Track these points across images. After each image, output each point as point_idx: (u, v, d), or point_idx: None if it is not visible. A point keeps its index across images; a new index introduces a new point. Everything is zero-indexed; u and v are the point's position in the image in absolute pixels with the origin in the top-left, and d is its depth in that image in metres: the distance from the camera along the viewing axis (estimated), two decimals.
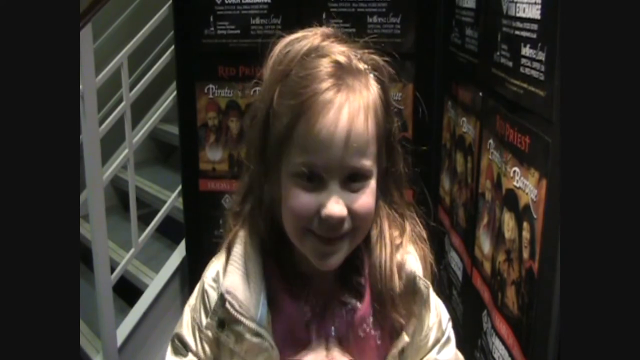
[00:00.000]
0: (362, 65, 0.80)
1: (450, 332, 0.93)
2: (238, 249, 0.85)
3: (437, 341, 0.91)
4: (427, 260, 0.88)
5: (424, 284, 0.85)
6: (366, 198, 0.78)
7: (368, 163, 0.77)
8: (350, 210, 0.77)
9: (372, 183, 0.79)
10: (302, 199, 0.77)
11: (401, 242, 0.87)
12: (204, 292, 0.87)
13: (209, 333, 0.85)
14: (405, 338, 0.86)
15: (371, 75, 0.81)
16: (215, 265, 0.88)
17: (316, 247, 0.79)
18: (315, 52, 0.79)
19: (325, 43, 0.81)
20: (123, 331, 2.35)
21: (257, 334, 0.81)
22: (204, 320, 0.86)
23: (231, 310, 0.81)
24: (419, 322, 0.87)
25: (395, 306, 0.85)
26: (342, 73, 0.77)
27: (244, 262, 0.84)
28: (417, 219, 0.90)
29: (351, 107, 0.76)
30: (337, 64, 0.78)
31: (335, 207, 0.76)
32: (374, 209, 0.82)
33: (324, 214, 0.76)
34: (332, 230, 0.77)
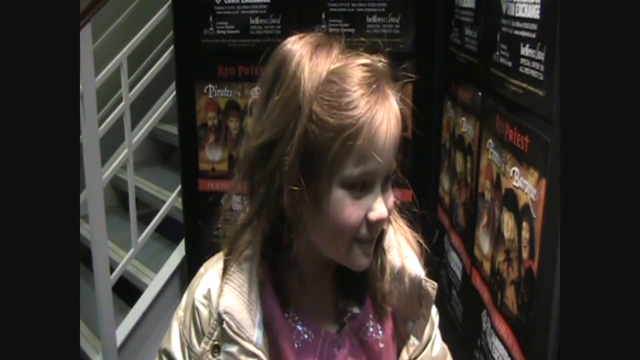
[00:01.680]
0: (380, 72, 0.80)
1: (437, 326, 0.93)
2: (234, 269, 0.83)
3: (429, 338, 0.90)
4: (415, 245, 0.89)
5: (431, 285, 0.86)
6: (391, 196, 0.81)
7: (395, 164, 0.80)
8: None
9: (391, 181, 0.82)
10: (351, 208, 0.77)
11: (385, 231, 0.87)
12: (194, 308, 0.85)
13: (201, 357, 0.83)
14: (415, 341, 0.86)
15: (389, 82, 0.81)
16: (207, 280, 0.86)
17: (363, 250, 0.80)
18: (339, 59, 0.77)
19: (340, 47, 0.79)
20: (122, 331, 2.36)
21: (253, 355, 0.80)
22: (194, 339, 0.84)
23: (228, 330, 0.80)
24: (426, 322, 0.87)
25: (385, 296, 0.85)
26: (377, 80, 0.77)
27: (241, 283, 0.83)
28: (401, 215, 0.91)
29: (394, 116, 0.77)
30: (369, 70, 0.78)
31: (384, 208, 0.78)
32: None
33: (376, 218, 0.77)
34: (377, 231, 0.80)
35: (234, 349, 0.80)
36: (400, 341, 0.89)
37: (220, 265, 0.86)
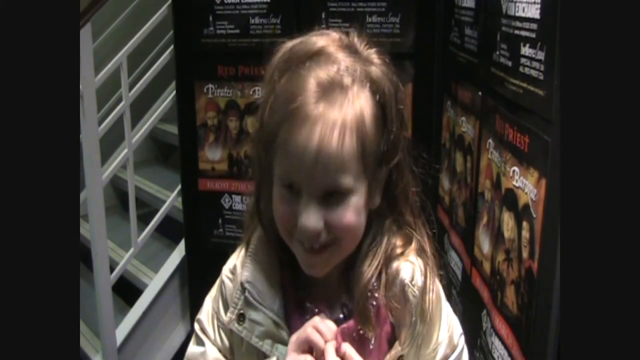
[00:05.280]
0: (350, 80, 0.78)
1: (462, 348, 0.91)
2: (255, 246, 0.89)
3: (445, 357, 0.89)
4: (427, 274, 0.86)
5: (413, 293, 0.84)
6: (344, 212, 0.78)
7: (346, 181, 0.77)
8: (328, 224, 0.78)
9: (355, 199, 0.79)
10: (283, 207, 0.80)
11: (402, 252, 0.86)
12: (221, 282, 0.91)
13: (228, 326, 0.88)
14: (397, 348, 0.85)
15: (367, 89, 0.79)
16: (233, 258, 0.92)
17: (300, 254, 0.82)
18: (309, 62, 0.78)
19: (323, 51, 0.80)
20: (122, 331, 2.36)
21: (276, 323, 0.84)
22: (222, 309, 0.89)
23: (250, 298, 0.85)
24: (416, 333, 0.84)
25: (366, 319, 0.84)
26: (327, 88, 0.76)
27: (261, 258, 0.88)
28: (427, 234, 0.88)
29: (324, 125, 0.75)
30: (322, 79, 0.77)
31: (309, 220, 0.77)
32: (360, 223, 0.81)
33: (299, 226, 0.78)
34: (309, 240, 0.79)
35: (258, 316, 0.85)
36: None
37: (244, 243, 0.91)
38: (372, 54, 0.82)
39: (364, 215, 0.82)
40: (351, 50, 0.81)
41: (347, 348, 0.81)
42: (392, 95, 0.81)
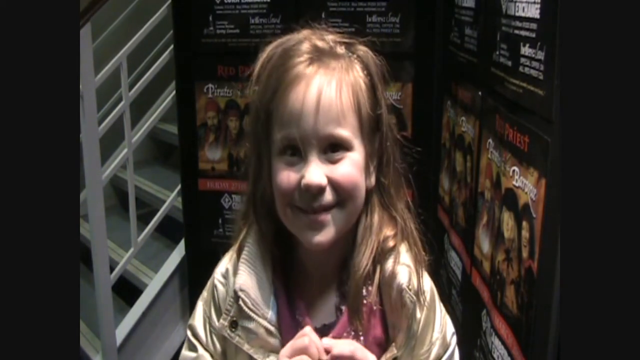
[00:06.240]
0: (344, 51, 0.83)
1: (454, 347, 0.92)
2: (249, 250, 0.87)
3: (438, 357, 0.89)
4: (417, 268, 0.86)
5: (410, 297, 0.83)
6: (346, 168, 0.80)
7: (345, 133, 0.79)
8: (331, 180, 0.79)
9: (355, 156, 0.81)
10: (285, 174, 0.80)
11: (393, 247, 0.86)
12: (213, 287, 0.90)
13: (221, 332, 0.87)
14: (393, 350, 0.85)
15: (357, 63, 0.83)
16: (225, 261, 0.91)
17: (303, 221, 0.81)
18: (297, 39, 0.83)
19: (311, 35, 0.84)
20: (122, 331, 2.36)
21: (269, 332, 0.84)
22: (214, 314, 0.89)
23: (244, 307, 0.84)
24: (410, 335, 0.85)
25: (358, 313, 0.84)
26: (319, 53, 0.81)
27: (254, 263, 0.86)
28: (413, 218, 0.89)
29: (321, 78, 0.79)
30: (315, 46, 0.82)
31: (313, 175, 0.78)
32: (362, 184, 0.83)
33: (303, 183, 0.78)
34: (313, 200, 0.79)
35: (251, 325, 0.85)
36: (386, 347, 0.87)
37: (237, 246, 0.91)
38: (353, 39, 0.86)
39: (363, 182, 0.83)
40: (337, 34, 0.86)
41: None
42: (378, 71, 0.85)
